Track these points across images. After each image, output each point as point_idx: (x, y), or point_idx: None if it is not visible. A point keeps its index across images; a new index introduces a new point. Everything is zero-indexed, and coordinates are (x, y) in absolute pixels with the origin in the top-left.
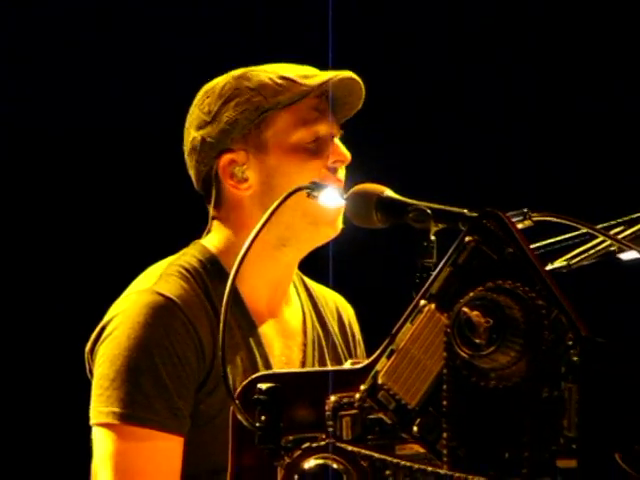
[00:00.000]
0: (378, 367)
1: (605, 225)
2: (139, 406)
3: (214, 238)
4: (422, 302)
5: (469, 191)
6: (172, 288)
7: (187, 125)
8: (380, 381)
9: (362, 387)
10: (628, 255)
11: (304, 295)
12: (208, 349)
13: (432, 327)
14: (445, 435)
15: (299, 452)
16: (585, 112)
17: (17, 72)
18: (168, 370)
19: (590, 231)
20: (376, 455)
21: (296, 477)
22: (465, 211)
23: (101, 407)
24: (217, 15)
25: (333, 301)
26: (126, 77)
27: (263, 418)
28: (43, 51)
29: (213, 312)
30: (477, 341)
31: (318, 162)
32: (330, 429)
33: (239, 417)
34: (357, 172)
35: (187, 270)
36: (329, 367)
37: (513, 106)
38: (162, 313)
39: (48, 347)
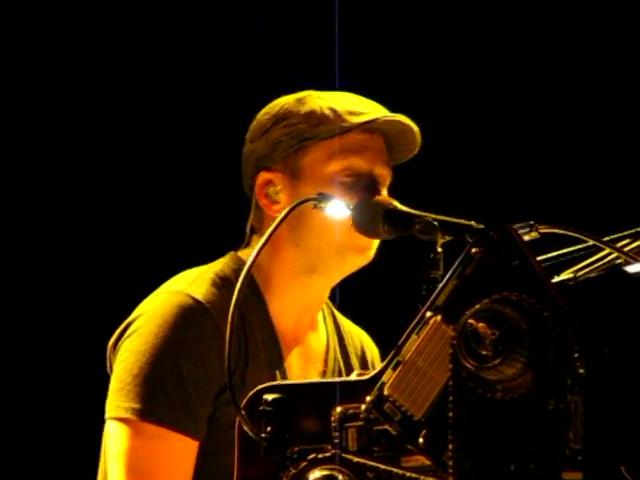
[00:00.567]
0: (384, 378)
1: (612, 237)
2: (159, 405)
3: (251, 251)
4: (428, 314)
5: (474, 202)
6: (204, 293)
7: (247, 134)
8: (386, 392)
9: (368, 398)
10: (634, 268)
11: (331, 326)
12: (232, 359)
13: (438, 339)
14: (451, 447)
15: (305, 463)
16: (596, 126)
17: (17, 72)
18: (191, 373)
19: (596, 243)
20: (382, 466)
21: None
22: (472, 223)
23: (120, 401)
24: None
25: (359, 339)
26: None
27: (269, 429)
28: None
29: (241, 322)
30: (483, 353)
31: (349, 197)
32: (336, 440)
33: (245, 428)
34: None
35: (220, 278)
36: (336, 378)
37: (523, 117)
38: (191, 316)
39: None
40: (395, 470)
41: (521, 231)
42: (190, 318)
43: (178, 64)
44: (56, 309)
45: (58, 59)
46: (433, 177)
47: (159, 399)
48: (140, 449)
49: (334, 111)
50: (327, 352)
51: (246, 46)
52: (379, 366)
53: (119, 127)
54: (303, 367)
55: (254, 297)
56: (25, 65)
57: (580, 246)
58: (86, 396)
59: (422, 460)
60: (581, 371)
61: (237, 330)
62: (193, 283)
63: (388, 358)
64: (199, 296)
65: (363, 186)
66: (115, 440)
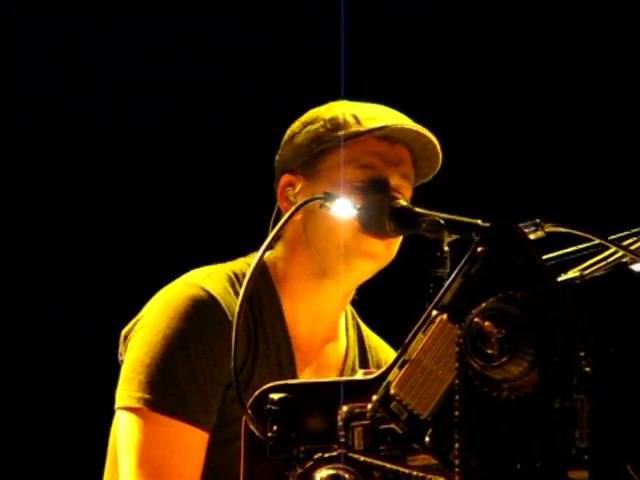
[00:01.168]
0: (390, 377)
1: (618, 236)
2: (170, 395)
3: (272, 251)
4: (434, 312)
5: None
6: (218, 287)
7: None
8: (392, 391)
9: (374, 397)
10: None
11: (353, 338)
12: (240, 355)
13: (444, 338)
14: (457, 446)
15: (311, 462)
16: (601, 125)
17: (17, 72)
18: (202, 365)
19: (602, 242)
20: (388, 465)
21: None
22: (478, 222)
23: (131, 391)
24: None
25: (385, 355)
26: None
27: (275, 428)
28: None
29: (252, 319)
30: (489, 352)
31: (359, 200)
32: (342, 439)
33: (251, 427)
34: None
35: (236, 275)
36: (342, 378)
37: (526, 115)
38: (204, 308)
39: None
40: (401, 469)
41: (527, 230)
42: (203, 311)
43: (178, 64)
44: (57, 308)
45: (58, 59)
46: (440, 176)
47: (171, 390)
48: (151, 439)
49: (355, 117)
50: (344, 362)
51: (246, 46)
52: None
53: (119, 127)
54: (315, 373)
55: (268, 295)
56: (25, 65)
57: (586, 245)
58: (91, 390)
59: (428, 459)
60: (587, 370)
61: (248, 326)
62: (208, 277)
63: (394, 357)
64: (213, 290)
65: (375, 191)
66: (126, 430)
